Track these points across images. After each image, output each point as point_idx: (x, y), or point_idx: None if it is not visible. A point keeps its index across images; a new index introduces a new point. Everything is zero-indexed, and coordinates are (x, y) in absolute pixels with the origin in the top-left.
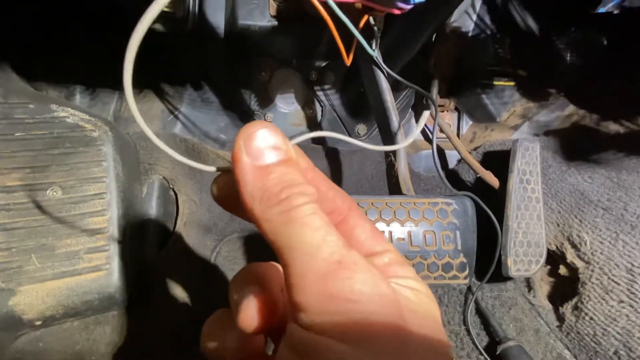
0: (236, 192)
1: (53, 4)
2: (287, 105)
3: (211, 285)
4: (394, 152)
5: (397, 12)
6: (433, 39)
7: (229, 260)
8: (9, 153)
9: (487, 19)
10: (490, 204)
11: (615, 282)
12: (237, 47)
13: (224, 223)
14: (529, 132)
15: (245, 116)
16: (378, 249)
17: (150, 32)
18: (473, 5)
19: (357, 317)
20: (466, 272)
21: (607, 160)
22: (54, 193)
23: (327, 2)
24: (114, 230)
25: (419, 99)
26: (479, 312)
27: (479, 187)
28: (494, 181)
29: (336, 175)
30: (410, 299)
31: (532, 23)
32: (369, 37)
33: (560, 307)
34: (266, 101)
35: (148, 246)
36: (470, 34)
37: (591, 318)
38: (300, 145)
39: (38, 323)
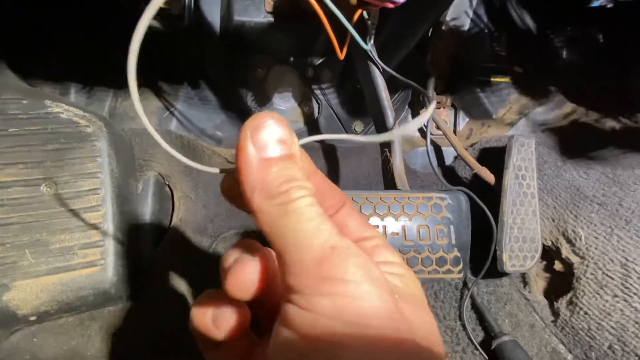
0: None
1: (48, 1)
2: (283, 102)
3: (207, 281)
4: (389, 148)
5: (390, 5)
6: (429, 35)
7: None
8: (2, 149)
9: (484, 16)
10: (486, 200)
11: (610, 277)
12: (233, 44)
13: (220, 220)
14: (526, 129)
15: (241, 113)
16: (366, 234)
17: (147, 29)
18: (470, 2)
19: (352, 297)
20: (460, 267)
21: (602, 156)
22: (48, 189)
23: None
24: (108, 225)
25: (415, 96)
26: (475, 307)
27: (475, 183)
28: (489, 177)
29: (333, 172)
30: (397, 285)
31: (528, 20)
32: (363, 32)
33: (555, 302)
34: (263, 98)
35: (143, 242)
36: (467, 31)
37: (586, 313)
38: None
39: (33, 318)
